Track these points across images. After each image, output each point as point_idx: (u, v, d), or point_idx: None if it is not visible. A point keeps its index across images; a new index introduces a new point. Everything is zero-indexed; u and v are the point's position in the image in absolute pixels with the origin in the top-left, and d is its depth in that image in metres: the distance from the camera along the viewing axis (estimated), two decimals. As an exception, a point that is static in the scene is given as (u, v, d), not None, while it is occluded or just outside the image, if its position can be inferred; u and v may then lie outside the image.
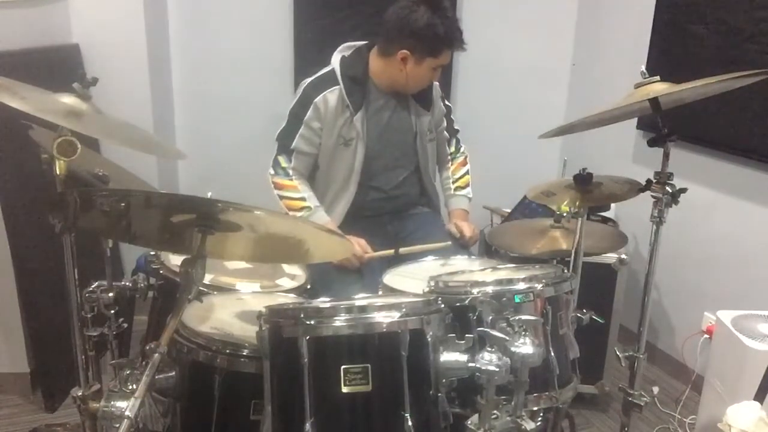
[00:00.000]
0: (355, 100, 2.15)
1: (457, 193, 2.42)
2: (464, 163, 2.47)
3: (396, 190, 2.31)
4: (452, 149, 2.46)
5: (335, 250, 1.55)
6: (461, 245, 2.25)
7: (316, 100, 2.14)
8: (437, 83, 2.34)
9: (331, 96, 2.14)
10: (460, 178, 2.44)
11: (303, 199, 2.19)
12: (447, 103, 2.42)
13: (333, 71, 2.18)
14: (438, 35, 2.07)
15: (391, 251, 2.10)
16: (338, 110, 2.15)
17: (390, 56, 2.14)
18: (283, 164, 2.20)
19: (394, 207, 2.34)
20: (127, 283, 1.66)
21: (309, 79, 2.22)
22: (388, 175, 2.29)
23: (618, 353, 1.76)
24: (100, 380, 1.62)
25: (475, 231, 2.28)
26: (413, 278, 1.79)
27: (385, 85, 2.22)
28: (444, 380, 1.29)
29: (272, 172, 2.21)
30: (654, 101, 1.57)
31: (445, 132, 2.42)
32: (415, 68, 2.13)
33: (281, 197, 2.20)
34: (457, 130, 2.47)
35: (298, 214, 2.17)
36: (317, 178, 2.28)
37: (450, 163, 2.46)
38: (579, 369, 1.57)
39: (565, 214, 1.88)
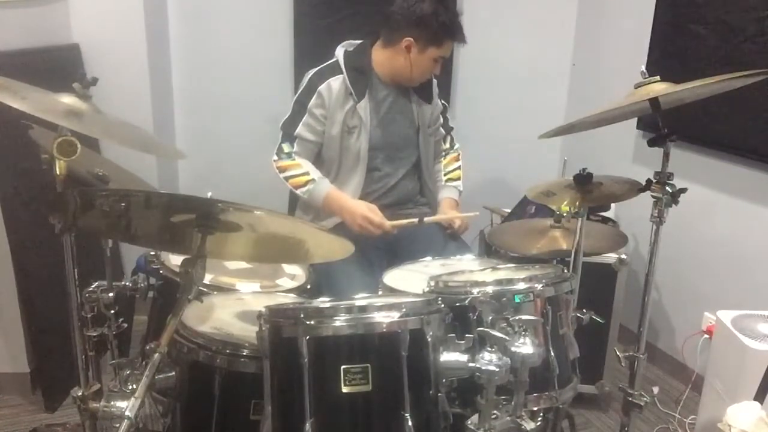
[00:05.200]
0: (359, 88, 2.18)
1: (448, 184, 2.44)
2: (457, 159, 2.49)
3: (397, 183, 2.33)
4: (447, 146, 2.50)
5: (335, 250, 1.55)
6: (450, 235, 2.26)
7: (320, 87, 2.19)
8: (436, 81, 2.36)
9: (335, 83, 2.18)
10: (452, 171, 2.46)
11: (306, 173, 2.20)
12: (443, 102, 2.45)
13: (337, 62, 2.23)
14: (442, 24, 2.13)
15: (415, 220, 2.13)
16: (342, 98, 2.18)
17: (394, 45, 2.19)
18: (287, 150, 2.22)
19: (394, 200, 2.34)
20: (127, 283, 1.66)
21: (314, 69, 2.26)
22: (390, 166, 2.30)
23: (618, 353, 1.76)
24: (100, 380, 1.62)
25: (464, 220, 2.29)
26: (413, 278, 1.79)
27: (388, 77, 2.26)
28: (444, 380, 1.29)
29: (276, 158, 2.24)
30: (654, 101, 1.57)
31: (441, 129, 2.45)
32: (419, 57, 2.17)
33: (286, 178, 2.22)
34: (452, 128, 2.50)
35: (305, 188, 2.18)
36: (325, 169, 2.28)
37: (443, 157, 2.49)
38: (579, 369, 1.57)
39: (565, 214, 1.89)
